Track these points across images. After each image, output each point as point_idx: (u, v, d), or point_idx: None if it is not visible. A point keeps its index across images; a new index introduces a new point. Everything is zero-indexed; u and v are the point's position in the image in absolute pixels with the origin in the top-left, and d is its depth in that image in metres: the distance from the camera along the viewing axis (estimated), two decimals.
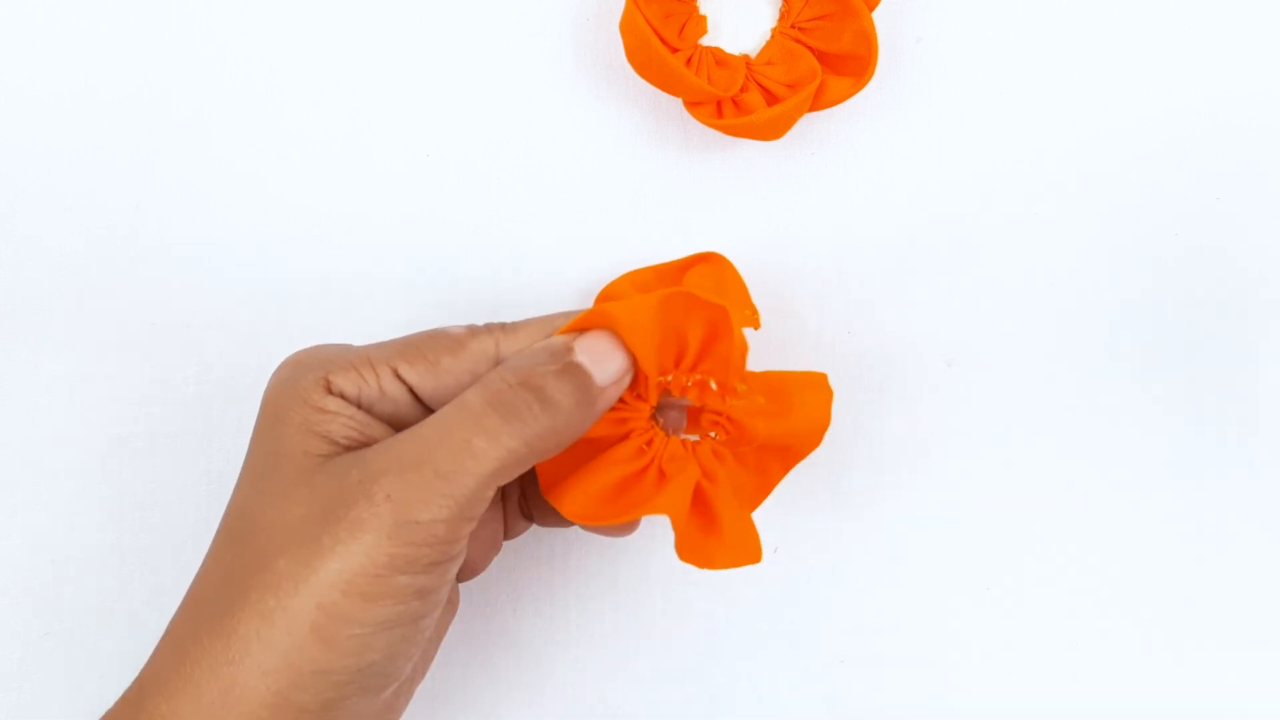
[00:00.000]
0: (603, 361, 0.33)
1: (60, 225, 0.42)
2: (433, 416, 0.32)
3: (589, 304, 0.42)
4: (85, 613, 0.42)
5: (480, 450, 0.31)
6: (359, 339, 0.41)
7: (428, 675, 0.37)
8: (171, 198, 0.42)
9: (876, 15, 0.40)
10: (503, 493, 0.38)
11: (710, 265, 0.40)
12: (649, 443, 0.36)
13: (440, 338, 0.34)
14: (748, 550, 0.35)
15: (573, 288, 0.42)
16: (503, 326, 0.35)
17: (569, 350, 0.33)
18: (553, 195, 0.42)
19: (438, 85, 0.42)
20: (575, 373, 0.33)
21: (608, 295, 0.40)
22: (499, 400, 0.32)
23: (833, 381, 0.38)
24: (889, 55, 0.42)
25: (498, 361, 0.34)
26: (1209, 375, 0.43)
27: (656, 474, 0.36)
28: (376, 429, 0.33)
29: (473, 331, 0.35)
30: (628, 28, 0.40)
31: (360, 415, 0.33)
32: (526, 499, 0.39)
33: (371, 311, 0.42)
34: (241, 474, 0.34)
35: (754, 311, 0.40)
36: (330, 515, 0.31)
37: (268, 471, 0.32)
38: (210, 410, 0.42)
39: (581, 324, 0.34)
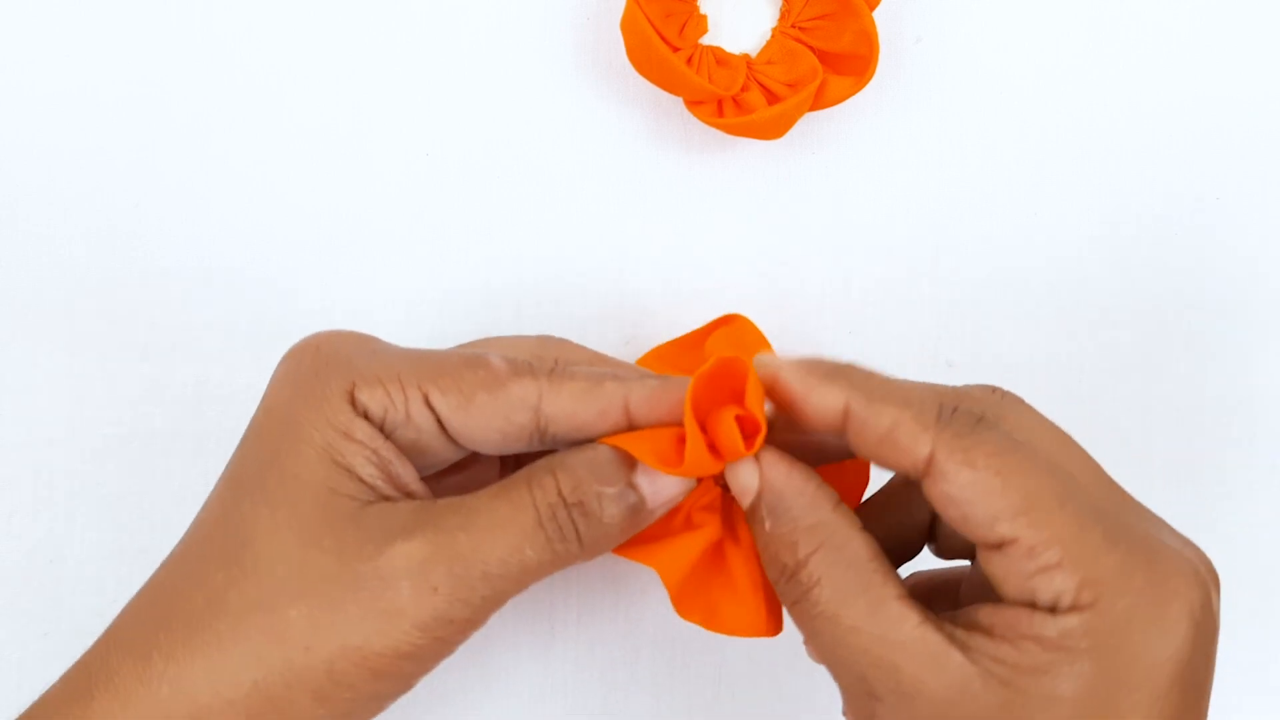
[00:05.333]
0: (663, 487, 0.32)
1: (60, 225, 0.42)
2: (485, 501, 0.31)
3: (583, 304, 0.42)
4: (84, 613, 0.42)
5: (529, 560, 0.30)
6: None
7: (428, 677, 0.37)
8: (171, 198, 0.42)
9: (876, 15, 0.40)
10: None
11: (731, 328, 0.40)
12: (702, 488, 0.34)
13: (478, 368, 0.31)
14: (760, 621, 0.33)
15: (572, 286, 0.42)
16: (549, 374, 0.32)
17: (631, 468, 0.31)
18: (553, 194, 0.42)
19: (438, 85, 0.42)
20: (629, 497, 0.31)
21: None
22: (553, 516, 0.31)
23: None
24: (889, 55, 0.42)
25: (537, 413, 0.31)
26: (1209, 375, 0.43)
27: (684, 520, 0.34)
28: (398, 467, 0.31)
29: (515, 370, 0.31)
30: (628, 27, 0.40)
31: (385, 449, 0.31)
32: None
33: (371, 310, 0.42)
34: (236, 475, 0.32)
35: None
36: (363, 586, 0.29)
37: (281, 494, 0.30)
38: (210, 410, 0.42)
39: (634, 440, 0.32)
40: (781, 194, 0.42)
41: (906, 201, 0.43)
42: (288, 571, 0.29)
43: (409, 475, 0.32)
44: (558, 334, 0.42)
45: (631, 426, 0.32)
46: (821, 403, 0.30)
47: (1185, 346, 0.43)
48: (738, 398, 0.31)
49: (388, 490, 0.31)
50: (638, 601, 0.42)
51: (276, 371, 0.32)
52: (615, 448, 0.31)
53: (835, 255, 0.42)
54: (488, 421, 0.31)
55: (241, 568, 0.30)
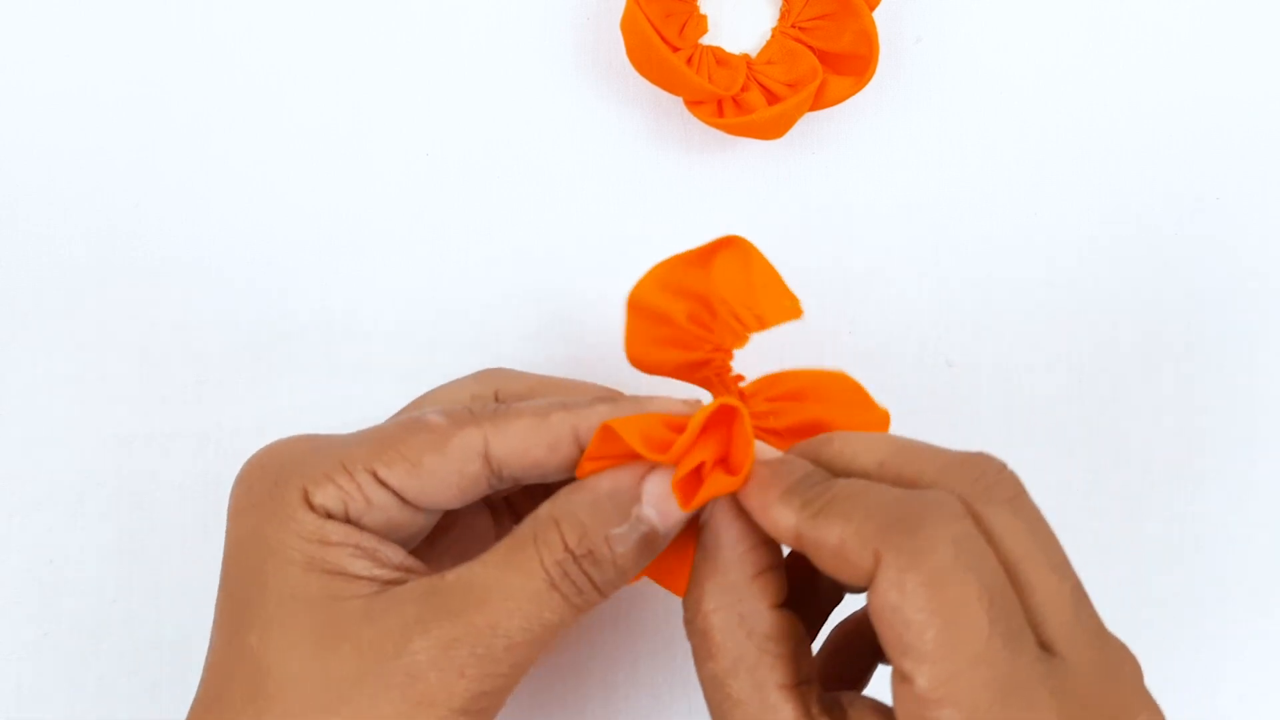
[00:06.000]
0: (670, 513, 0.31)
1: (60, 225, 0.42)
2: (494, 571, 0.30)
3: (582, 304, 0.42)
4: (84, 613, 0.41)
5: (550, 621, 0.30)
6: (359, 337, 0.42)
7: None
8: (171, 198, 0.42)
9: (876, 15, 0.40)
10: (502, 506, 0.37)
11: (733, 251, 0.38)
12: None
13: (419, 431, 0.31)
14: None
15: (572, 286, 0.42)
16: (492, 417, 0.31)
17: (636, 500, 0.30)
18: (553, 195, 0.42)
19: (438, 85, 0.42)
20: (639, 528, 0.30)
21: (637, 301, 0.38)
22: (564, 574, 0.30)
23: None
24: (889, 55, 0.42)
25: (487, 458, 0.31)
26: (1209, 375, 0.43)
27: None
28: (385, 551, 0.31)
29: (455, 422, 0.31)
30: (629, 26, 0.40)
31: (365, 539, 0.31)
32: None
33: (371, 310, 0.42)
34: (232, 611, 0.31)
35: (793, 301, 0.38)
36: (391, 684, 0.29)
37: (285, 617, 0.30)
38: (210, 410, 0.42)
39: (602, 447, 0.31)
40: (781, 194, 0.42)
41: (906, 201, 0.42)
42: (313, 687, 0.29)
43: (398, 555, 0.31)
44: (558, 334, 0.42)
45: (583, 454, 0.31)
46: (775, 526, 0.29)
47: (1185, 347, 0.43)
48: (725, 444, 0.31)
49: (386, 575, 0.30)
50: (638, 603, 0.42)
51: (232, 500, 0.32)
52: (614, 483, 0.31)
53: (835, 255, 0.42)
54: (442, 480, 0.31)
55: (267, 697, 0.29)
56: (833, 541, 0.28)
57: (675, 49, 0.40)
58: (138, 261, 0.42)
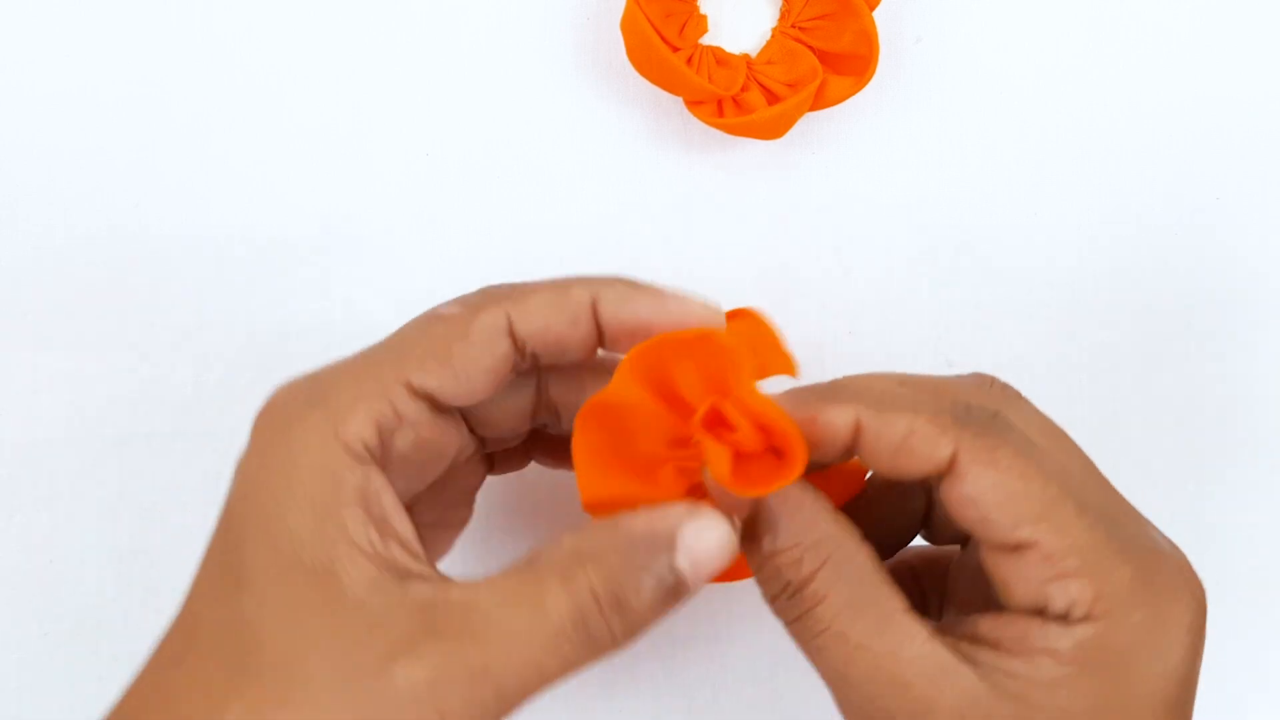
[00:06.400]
0: (705, 563, 0.28)
1: (60, 225, 0.42)
2: (500, 605, 0.27)
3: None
4: (83, 614, 0.41)
5: (549, 672, 0.27)
6: (358, 337, 0.41)
7: None
8: (171, 198, 0.42)
9: (876, 15, 0.40)
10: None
11: (743, 323, 0.38)
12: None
13: (437, 323, 0.30)
14: None
15: None
16: (509, 294, 0.30)
17: (671, 547, 0.28)
18: (553, 195, 0.42)
19: (438, 85, 0.42)
20: (670, 580, 0.28)
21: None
22: (583, 621, 0.27)
23: None
24: (889, 55, 0.42)
25: (512, 336, 0.30)
26: (1209, 375, 0.43)
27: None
28: (395, 521, 0.28)
29: (472, 308, 0.30)
30: (629, 26, 0.40)
31: (377, 501, 0.28)
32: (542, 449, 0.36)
33: (372, 310, 0.42)
34: (232, 565, 0.28)
35: (789, 361, 0.38)
36: (367, 703, 0.26)
37: (284, 591, 0.27)
38: (210, 410, 0.42)
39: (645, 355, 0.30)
40: (781, 194, 0.42)
41: (906, 201, 0.43)
42: (290, 682, 0.27)
43: (405, 528, 0.29)
44: None
45: (603, 332, 0.31)
46: (831, 423, 0.29)
47: (1185, 346, 0.43)
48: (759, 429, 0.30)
49: (389, 554, 0.28)
50: None
51: (250, 448, 0.30)
52: (649, 527, 0.28)
53: (835, 255, 0.42)
54: (473, 364, 0.29)
55: (245, 675, 0.27)
56: (899, 432, 0.29)
57: (675, 49, 0.40)
58: (137, 261, 0.42)
